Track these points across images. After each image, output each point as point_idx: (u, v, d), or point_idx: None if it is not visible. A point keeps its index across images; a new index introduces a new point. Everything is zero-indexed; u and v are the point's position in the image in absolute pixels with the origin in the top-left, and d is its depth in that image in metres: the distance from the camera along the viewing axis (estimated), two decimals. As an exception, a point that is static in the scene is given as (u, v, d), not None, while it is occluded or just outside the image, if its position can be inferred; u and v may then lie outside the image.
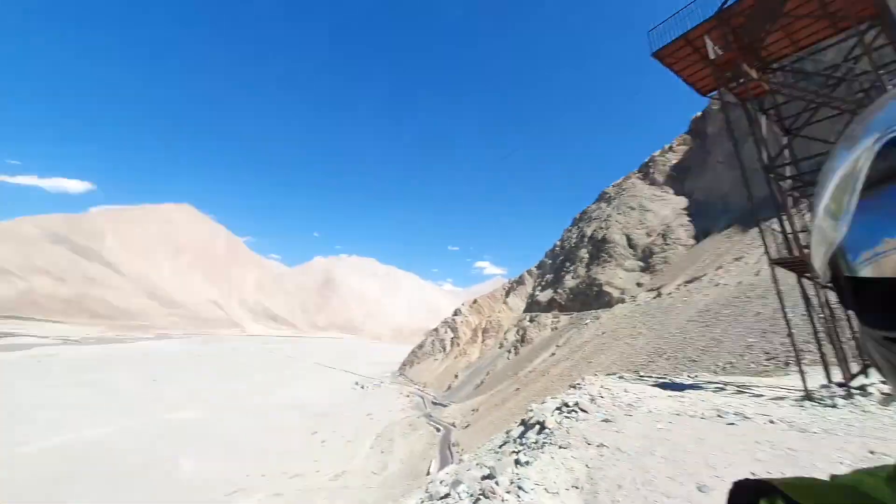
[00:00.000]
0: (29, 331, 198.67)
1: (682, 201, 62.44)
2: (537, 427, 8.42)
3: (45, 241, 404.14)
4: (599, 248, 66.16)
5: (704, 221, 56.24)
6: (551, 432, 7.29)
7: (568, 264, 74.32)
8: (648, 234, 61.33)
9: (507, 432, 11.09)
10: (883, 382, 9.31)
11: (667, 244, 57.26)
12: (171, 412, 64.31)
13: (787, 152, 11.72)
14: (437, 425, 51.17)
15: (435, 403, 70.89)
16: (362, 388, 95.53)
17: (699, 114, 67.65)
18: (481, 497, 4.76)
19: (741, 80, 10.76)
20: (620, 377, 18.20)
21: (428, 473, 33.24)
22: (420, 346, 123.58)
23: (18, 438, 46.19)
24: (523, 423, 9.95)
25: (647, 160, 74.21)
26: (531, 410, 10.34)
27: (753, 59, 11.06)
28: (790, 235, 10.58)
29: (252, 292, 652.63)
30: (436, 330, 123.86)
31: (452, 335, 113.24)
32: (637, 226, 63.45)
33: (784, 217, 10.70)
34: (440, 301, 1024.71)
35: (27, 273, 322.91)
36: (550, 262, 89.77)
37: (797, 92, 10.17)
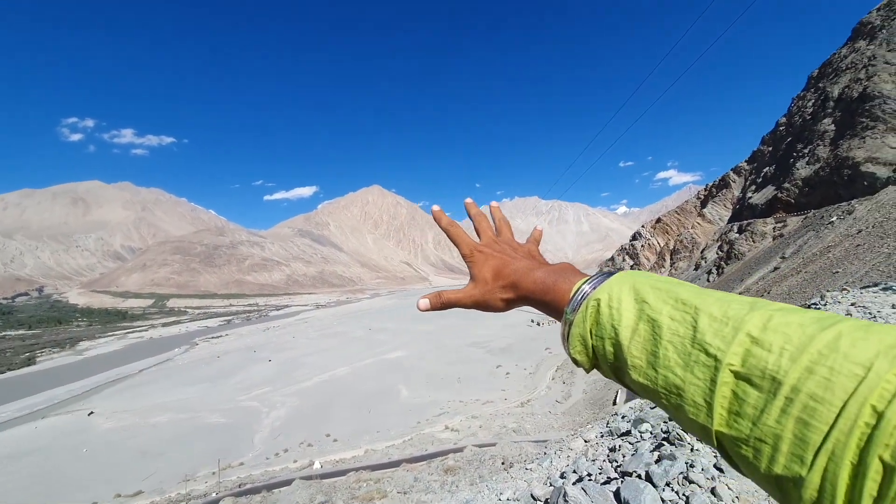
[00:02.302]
0: (296, 301, 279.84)
1: None
2: None
3: (295, 236, 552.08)
4: (855, 112, 46.14)
5: None
6: None
7: (800, 146, 54.86)
8: None
9: None
10: None
11: None
12: (388, 353, 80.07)
13: None
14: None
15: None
16: (538, 324, 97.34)
17: None
18: (665, 442, 4.28)
19: None
20: (887, 288, 12.06)
21: (614, 403, 31.23)
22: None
23: (299, 377, 65.83)
24: None
25: None
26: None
27: None
28: None
29: (432, 250, 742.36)
30: (611, 259, 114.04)
31: (632, 262, 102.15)
32: None
33: None
34: (614, 227, 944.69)
35: (289, 261, 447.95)
36: (770, 149, 68.21)
37: None
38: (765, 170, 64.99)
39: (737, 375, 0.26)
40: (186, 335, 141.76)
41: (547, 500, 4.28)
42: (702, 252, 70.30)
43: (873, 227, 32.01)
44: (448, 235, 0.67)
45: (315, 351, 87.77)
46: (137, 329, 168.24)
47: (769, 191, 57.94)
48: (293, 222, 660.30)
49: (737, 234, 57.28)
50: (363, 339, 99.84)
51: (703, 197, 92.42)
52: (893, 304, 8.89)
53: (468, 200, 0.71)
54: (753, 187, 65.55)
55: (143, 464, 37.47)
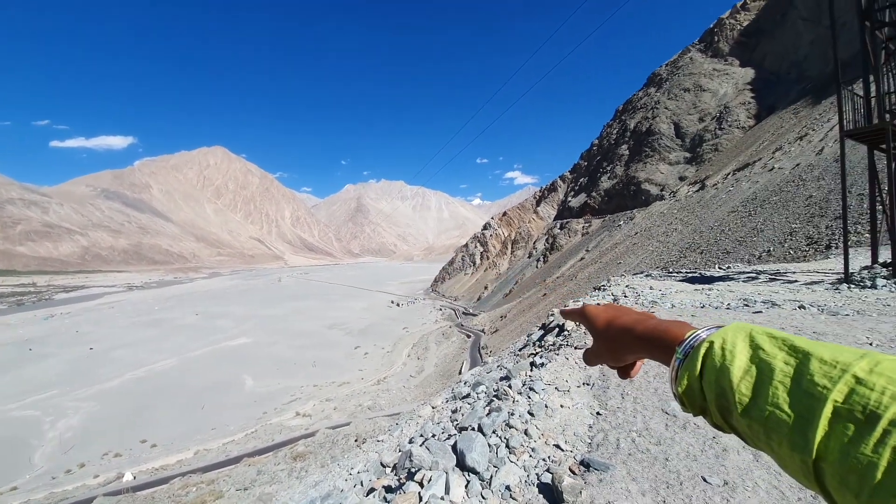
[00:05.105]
0: (97, 282, 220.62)
1: (747, 74, 54.10)
2: (556, 330, 8.34)
3: (98, 198, 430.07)
4: (642, 142, 60.22)
5: (771, 96, 49.00)
6: (569, 334, 7.24)
7: (605, 164, 68.92)
8: (701, 119, 54.59)
9: (529, 335, 10.83)
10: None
11: (721, 129, 51.11)
12: (230, 340, 70.89)
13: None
14: (468, 332, 53.32)
15: (466, 314, 73.51)
16: (397, 305, 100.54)
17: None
18: (495, 398, 4.99)
19: None
20: (647, 275, 16.65)
21: (460, 373, 34.91)
22: (451, 263, 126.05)
23: (102, 376, 52.75)
24: (543, 326, 9.96)
25: (712, 26, 63.12)
26: (552, 314, 10.32)
27: None
28: (876, 98, 8.68)
29: (289, 226, 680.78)
30: (465, 246, 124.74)
31: (482, 249, 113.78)
32: (689, 111, 56.38)
33: (873, 75, 8.72)
34: (469, 217, 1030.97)
35: (87, 230, 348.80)
36: (586, 164, 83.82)
37: None
38: (581, 180, 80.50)
39: (839, 411, 0.31)
40: None
41: (395, 464, 4.66)
42: (534, 243, 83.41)
43: (645, 230, 43.10)
44: (571, 315, 0.78)
45: (125, 343, 71.45)
46: None
47: (582, 197, 72.21)
48: (96, 179, 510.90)
49: (559, 230, 69.85)
50: (196, 326, 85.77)
51: (538, 197, 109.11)
52: (651, 287, 12.32)
53: (556, 311, 0.94)
54: (573, 193, 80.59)
55: None
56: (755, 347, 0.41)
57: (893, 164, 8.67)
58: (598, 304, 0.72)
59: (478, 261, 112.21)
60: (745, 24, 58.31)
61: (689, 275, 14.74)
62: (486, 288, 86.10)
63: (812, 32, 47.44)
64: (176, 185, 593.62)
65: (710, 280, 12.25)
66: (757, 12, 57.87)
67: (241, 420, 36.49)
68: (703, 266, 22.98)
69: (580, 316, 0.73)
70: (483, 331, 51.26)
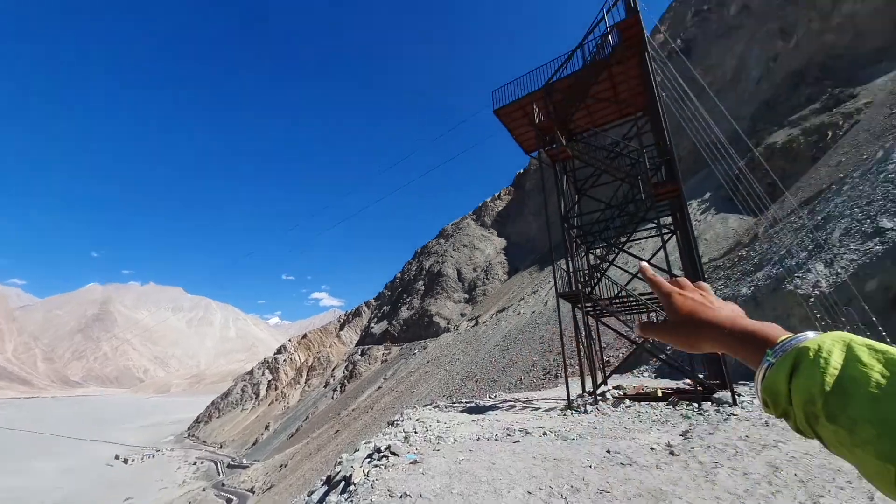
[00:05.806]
0: None
1: (502, 242, 72.54)
2: (342, 484, 7.18)
3: None
4: (434, 281, 69.56)
5: (516, 260, 66.24)
6: (356, 489, 6.40)
7: (405, 296, 75.32)
8: (475, 270, 68.07)
9: (310, 495, 8.97)
10: (615, 388, 12.25)
11: (487, 279, 64.53)
12: None
13: (577, 207, 14.86)
14: (230, 495, 41.01)
15: (232, 466, 57.77)
16: (124, 462, 71.12)
17: (522, 171, 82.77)
18: None
19: (554, 145, 13.17)
20: (436, 406, 17.66)
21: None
22: (225, 395, 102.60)
23: None
24: (328, 480, 8.54)
25: (480, 205, 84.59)
26: (340, 462, 9.05)
27: (564, 129, 14.11)
28: (571, 273, 12.75)
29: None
30: (250, 373, 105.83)
31: (271, 377, 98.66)
32: (467, 261, 69.85)
33: (569, 258, 12.85)
34: (262, 337, 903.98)
35: None
36: (389, 293, 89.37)
37: (589, 160, 12.88)
38: (384, 308, 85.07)
39: None
40: None
41: None
42: (332, 370, 78.38)
43: (435, 359, 46.80)
44: (650, 283, 0.73)
45: None
46: None
47: (384, 324, 75.38)
48: None
49: (360, 356, 68.70)
50: None
51: (342, 321, 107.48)
52: (438, 419, 12.72)
53: (644, 265, 0.77)
54: (376, 319, 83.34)
55: None
56: (853, 358, 0.41)
57: (585, 318, 12.87)
58: (683, 293, 0.66)
59: (262, 392, 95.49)
60: (500, 208, 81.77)
61: (468, 405, 16.11)
62: (267, 427, 71.90)
63: (537, 223, 69.91)
64: None
65: (483, 410, 13.64)
66: (507, 203, 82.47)
67: None
68: (478, 394, 25.90)
69: (665, 298, 0.69)
70: (252, 490, 40.38)
